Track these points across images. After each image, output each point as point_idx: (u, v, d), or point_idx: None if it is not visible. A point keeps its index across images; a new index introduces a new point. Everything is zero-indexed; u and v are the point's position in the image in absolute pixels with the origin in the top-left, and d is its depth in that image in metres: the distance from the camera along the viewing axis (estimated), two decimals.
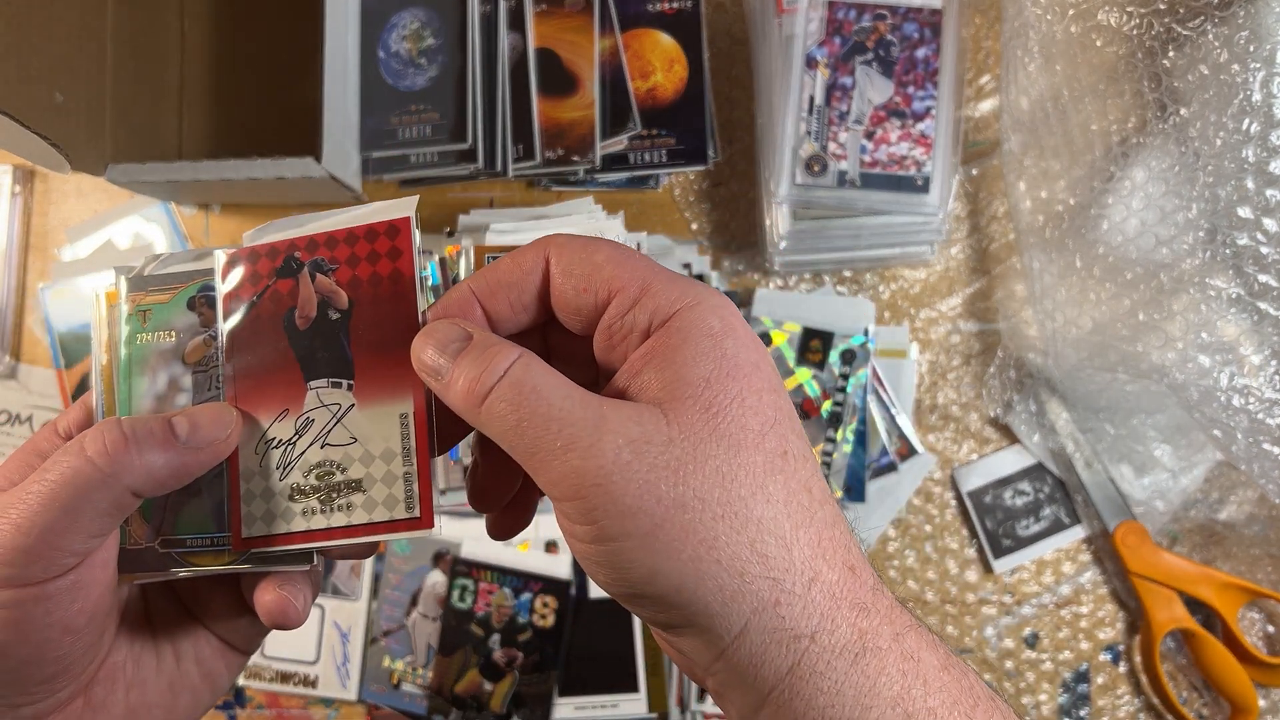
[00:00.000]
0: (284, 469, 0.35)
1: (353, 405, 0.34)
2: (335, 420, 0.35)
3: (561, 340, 0.31)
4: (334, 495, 0.34)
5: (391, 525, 0.33)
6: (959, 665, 0.26)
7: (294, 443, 0.34)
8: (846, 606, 0.25)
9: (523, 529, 0.34)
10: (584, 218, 0.57)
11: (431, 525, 0.32)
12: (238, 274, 0.35)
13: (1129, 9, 0.52)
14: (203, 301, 0.33)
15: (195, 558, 0.32)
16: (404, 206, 0.35)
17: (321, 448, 0.34)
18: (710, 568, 0.24)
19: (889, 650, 0.24)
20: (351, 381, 0.35)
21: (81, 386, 0.62)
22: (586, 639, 0.58)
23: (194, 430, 0.30)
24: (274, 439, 0.34)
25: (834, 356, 0.60)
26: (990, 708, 0.25)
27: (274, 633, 0.60)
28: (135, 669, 0.32)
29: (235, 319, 0.34)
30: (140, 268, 0.33)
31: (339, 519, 0.34)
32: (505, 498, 0.33)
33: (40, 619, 0.27)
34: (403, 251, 0.35)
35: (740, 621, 0.25)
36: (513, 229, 0.57)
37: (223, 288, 0.34)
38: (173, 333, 0.33)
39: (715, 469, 0.25)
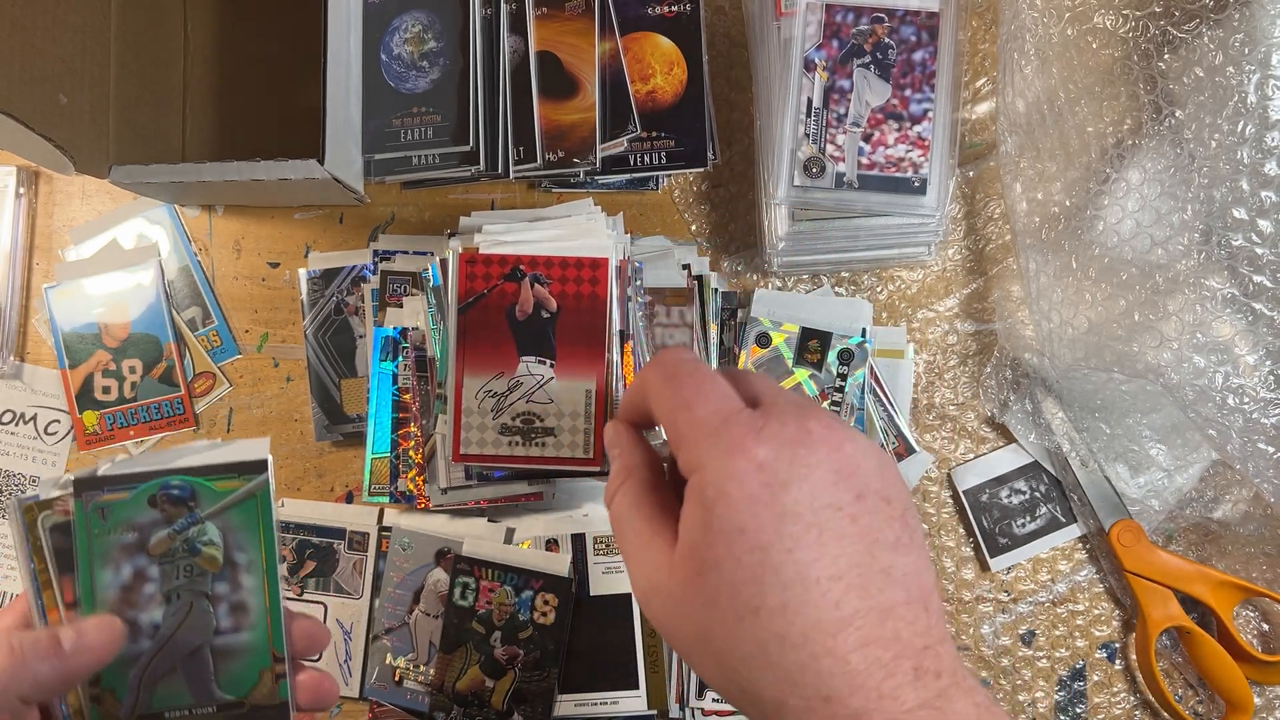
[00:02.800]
0: (496, 412, 0.51)
1: (552, 378, 0.51)
2: (539, 385, 0.51)
3: None
4: (533, 435, 0.51)
5: (572, 460, 0.51)
6: None
7: (506, 395, 0.51)
8: None
9: None
10: (583, 219, 0.58)
11: (599, 465, 0.49)
12: (474, 270, 0.52)
13: (1125, 12, 0.52)
14: (164, 499, 0.36)
15: None
16: (587, 223, 0.55)
17: (527, 403, 0.51)
18: (713, 683, 0.31)
19: None
20: (553, 361, 0.51)
21: (85, 387, 0.62)
22: (587, 636, 0.59)
23: (79, 638, 0.33)
24: (491, 390, 0.52)
25: (832, 357, 0.60)
26: None
27: None
28: None
29: (469, 302, 0.51)
30: (93, 469, 0.36)
31: (535, 451, 0.50)
32: None
33: None
34: (600, 280, 0.52)
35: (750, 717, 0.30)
36: (503, 230, 0.57)
37: (458, 279, 0.52)
38: (134, 528, 0.36)
39: (698, 621, 0.30)
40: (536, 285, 0.52)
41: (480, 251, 0.53)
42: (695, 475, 0.31)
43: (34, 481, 0.37)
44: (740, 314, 0.62)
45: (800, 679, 0.28)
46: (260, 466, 0.36)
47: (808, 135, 0.57)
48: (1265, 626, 0.61)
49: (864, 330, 0.61)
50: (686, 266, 0.61)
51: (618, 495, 0.35)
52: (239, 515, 0.36)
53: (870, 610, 0.29)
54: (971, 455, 0.62)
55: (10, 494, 0.63)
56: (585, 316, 0.51)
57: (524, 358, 0.52)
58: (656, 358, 0.34)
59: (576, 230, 0.56)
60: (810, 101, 0.57)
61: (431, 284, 0.57)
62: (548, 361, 0.52)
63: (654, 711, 0.59)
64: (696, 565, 0.30)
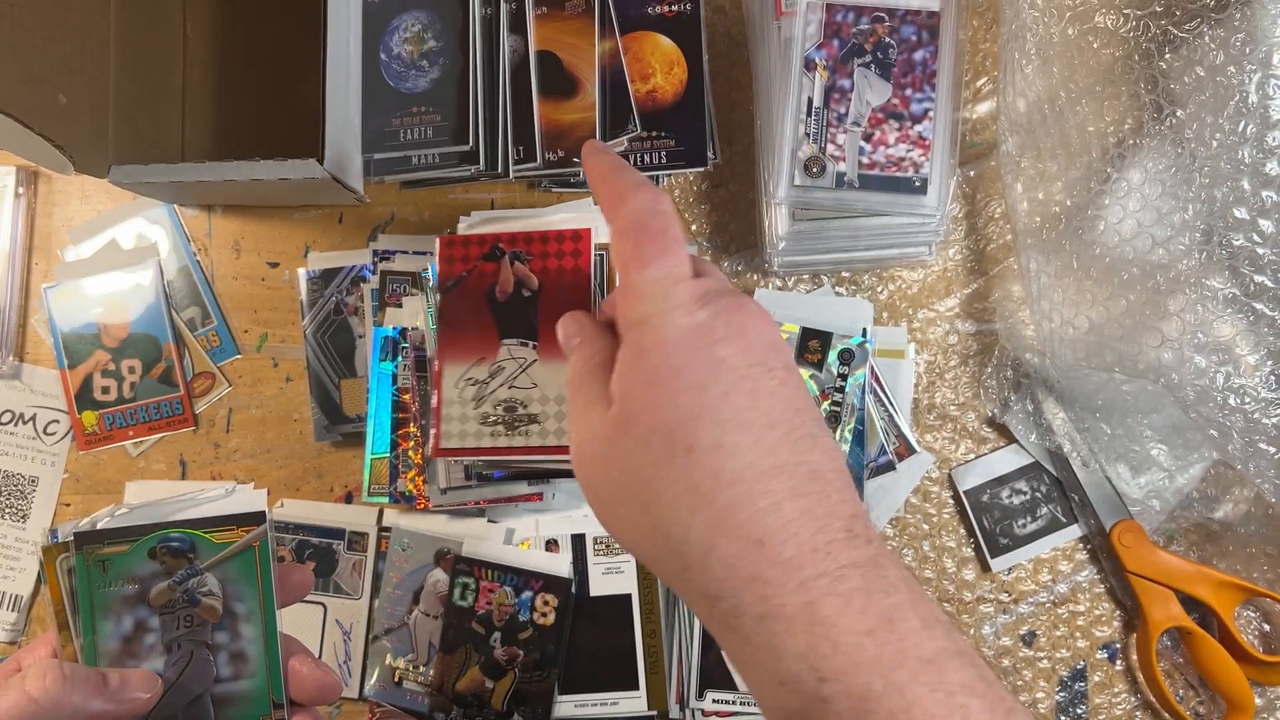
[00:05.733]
0: (478, 401, 0.48)
1: (535, 360, 0.47)
2: (521, 369, 0.47)
3: None
4: (516, 424, 0.47)
5: (557, 449, 0.47)
6: (899, 630, 0.27)
7: (487, 383, 0.47)
8: (744, 577, 0.28)
9: None
10: (582, 219, 0.58)
11: None
12: (452, 253, 0.50)
13: (1126, 11, 0.52)
14: (164, 551, 0.37)
15: None
16: (586, 219, 0.50)
17: (509, 389, 0.47)
18: (633, 537, 0.31)
19: (796, 615, 0.27)
20: (536, 343, 0.48)
21: (84, 387, 0.62)
22: (587, 637, 0.59)
23: (124, 685, 0.35)
24: (472, 378, 0.49)
25: (832, 357, 0.60)
26: (918, 669, 0.26)
27: None
28: None
29: (448, 286, 0.49)
30: (93, 521, 0.37)
31: (518, 440, 0.47)
32: None
33: None
34: (583, 253, 0.48)
35: (665, 576, 0.31)
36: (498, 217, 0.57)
37: (437, 262, 0.50)
38: (135, 580, 0.37)
39: (627, 465, 0.30)
40: (516, 263, 0.50)
41: (460, 233, 0.51)
42: (635, 329, 0.31)
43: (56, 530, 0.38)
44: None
45: (732, 520, 0.28)
46: (259, 518, 0.37)
47: (808, 135, 0.57)
48: (1266, 627, 0.61)
49: (864, 330, 0.60)
50: None
51: (578, 367, 0.35)
52: (238, 566, 0.37)
53: (801, 464, 0.29)
54: (972, 455, 0.62)
55: (9, 494, 0.63)
56: (568, 292, 0.48)
57: (505, 341, 0.49)
58: (635, 200, 0.33)
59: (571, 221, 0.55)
60: (811, 101, 0.57)
61: (431, 284, 0.57)
62: (530, 343, 0.49)
63: (654, 712, 0.59)
64: (631, 409, 0.30)
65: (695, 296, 0.31)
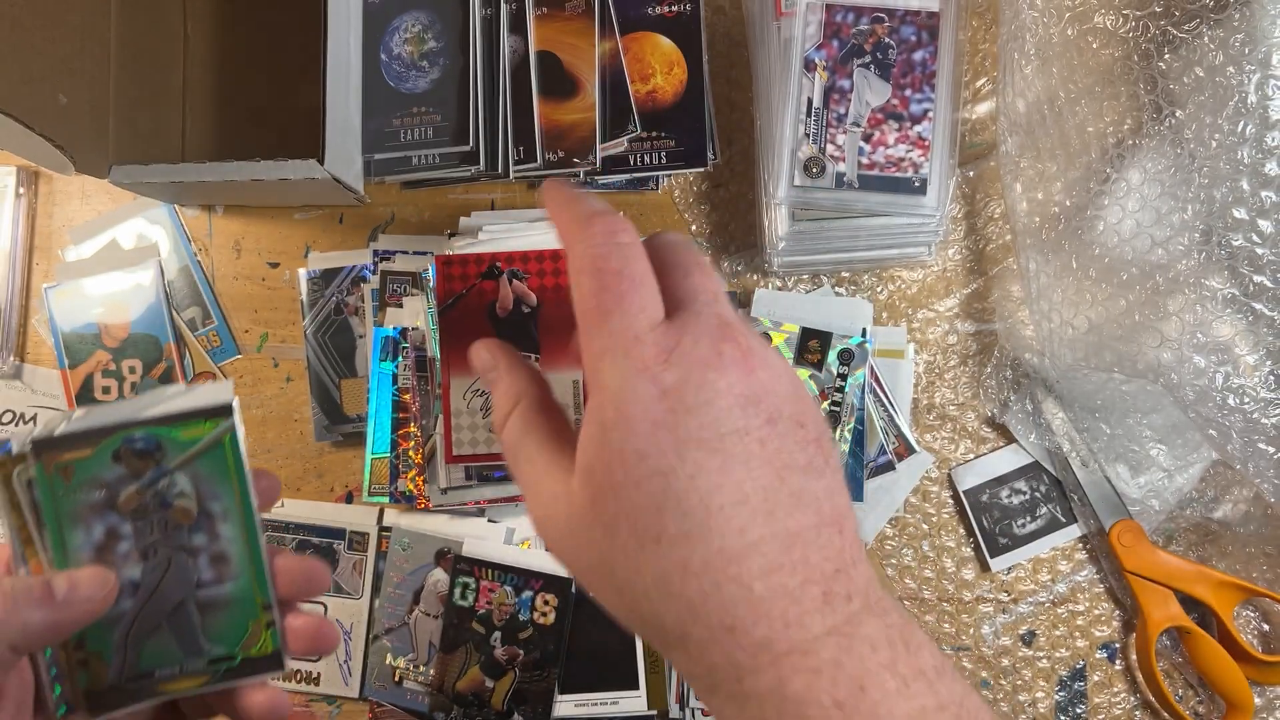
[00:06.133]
0: (485, 411, 0.52)
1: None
2: None
3: None
4: None
5: None
6: (872, 700, 0.26)
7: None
8: (720, 662, 0.27)
9: None
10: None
11: None
12: (451, 271, 0.53)
13: (1125, 12, 0.52)
14: (129, 452, 0.35)
15: (167, 685, 0.35)
16: None
17: None
18: (614, 612, 0.30)
19: (767, 695, 0.27)
20: (538, 356, 0.52)
21: (85, 387, 0.62)
22: (587, 637, 0.59)
23: (72, 589, 0.32)
24: (479, 390, 0.52)
25: (832, 357, 0.60)
26: None
27: None
28: None
29: (448, 305, 0.52)
30: (50, 428, 0.35)
31: None
32: None
33: None
34: None
35: (662, 652, 0.30)
36: (504, 231, 0.57)
37: (436, 281, 0.52)
38: (101, 486, 0.35)
39: (598, 550, 0.29)
40: (514, 281, 0.53)
41: (456, 253, 0.54)
42: (597, 394, 0.29)
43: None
44: (740, 314, 0.62)
45: (703, 609, 0.27)
46: (225, 410, 0.35)
47: (808, 135, 0.57)
48: (1265, 627, 0.61)
49: (864, 330, 0.61)
50: None
51: (508, 422, 0.32)
52: (208, 463, 0.35)
53: (776, 536, 0.27)
54: (972, 455, 0.62)
55: None
56: (567, 308, 0.49)
57: None
58: (588, 234, 0.30)
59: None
60: (810, 101, 0.57)
61: (431, 284, 0.57)
62: (532, 356, 0.52)
63: (654, 712, 0.59)
64: (595, 490, 0.28)
65: (660, 355, 0.28)
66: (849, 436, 0.60)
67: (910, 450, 0.61)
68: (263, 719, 0.35)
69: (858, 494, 0.60)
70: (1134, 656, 0.60)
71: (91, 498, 0.35)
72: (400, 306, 0.60)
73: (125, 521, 0.35)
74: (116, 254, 0.64)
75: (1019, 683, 0.61)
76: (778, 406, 0.28)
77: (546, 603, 0.58)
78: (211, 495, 0.35)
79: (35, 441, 0.34)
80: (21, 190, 0.64)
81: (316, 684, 0.60)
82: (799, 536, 0.28)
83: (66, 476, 0.34)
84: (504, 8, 0.60)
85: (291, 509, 0.62)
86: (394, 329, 0.60)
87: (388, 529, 0.61)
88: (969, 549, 0.62)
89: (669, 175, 0.63)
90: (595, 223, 0.30)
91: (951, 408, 0.62)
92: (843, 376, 0.60)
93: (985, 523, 0.61)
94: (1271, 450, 0.49)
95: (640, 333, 0.28)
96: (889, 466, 0.61)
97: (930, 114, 0.57)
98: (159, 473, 0.35)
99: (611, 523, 0.28)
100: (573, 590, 0.58)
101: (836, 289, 0.63)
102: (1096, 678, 0.61)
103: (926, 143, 0.57)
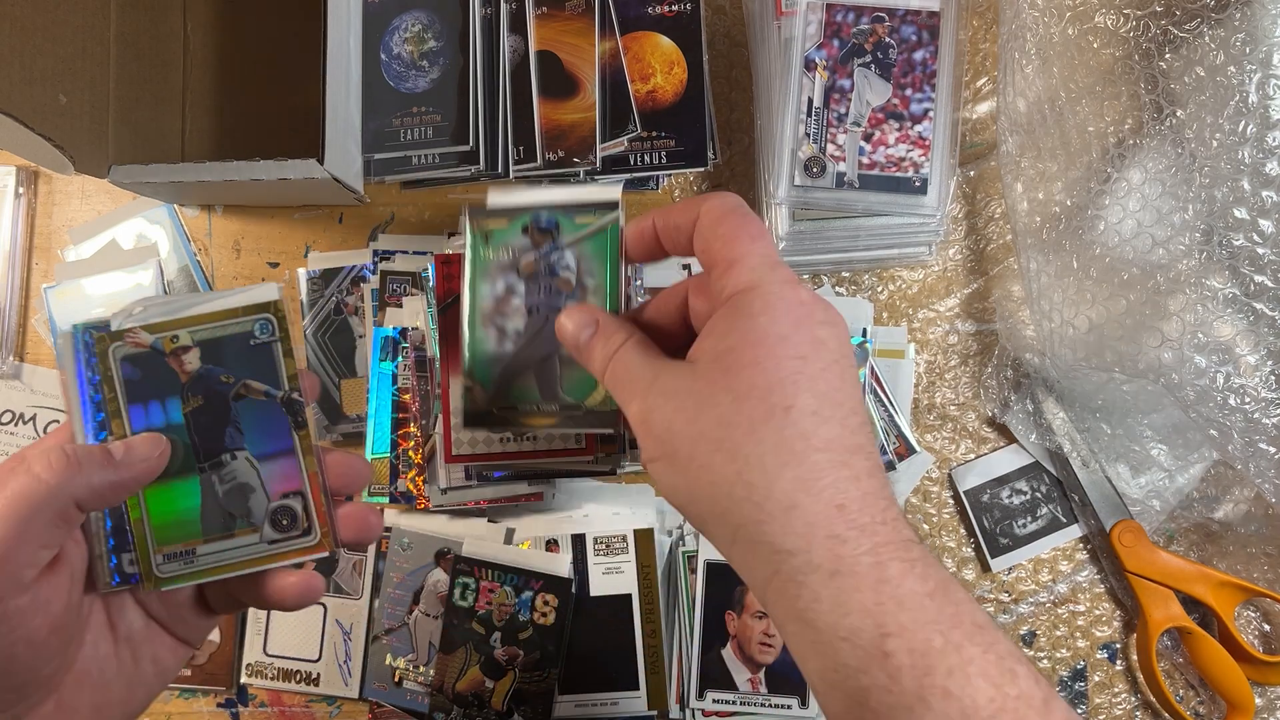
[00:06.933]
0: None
1: None
2: None
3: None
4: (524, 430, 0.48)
5: (565, 451, 0.48)
6: (954, 597, 0.30)
7: None
8: (823, 534, 0.30)
9: None
10: (598, 188, 0.58)
11: (591, 454, 0.47)
12: (450, 270, 0.51)
13: (1126, 11, 0.52)
14: (534, 228, 0.42)
15: (524, 418, 0.41)
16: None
17: None
18: (707, 489, 0.32)
19: (866, 574, 0.29)
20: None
21: None
22: (587, 637, 0.59)
23: (128, 452, 0.35)
24: None
25: None
26: (972, 631, 0.29)
27: (275, 632, 0.60)
28: (99, 672, 0.36)
29: (446, 305, 0.50)
30: (485, 202, 0.43)
31: (526, 445, 0.48)
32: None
33: (5, 635, 0.31)
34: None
35: (730, 531, 0.32)
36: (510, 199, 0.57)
37: (434, 281, 0.51)
38: (509, 250, 0.42)
39: (719, 415, 0.31)
40: None
41: (454, 252, 0.53)
42: (742, 293, 0.33)
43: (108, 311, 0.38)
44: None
45: (819, 482, 0.30)
46: (613, 205, 0.42)
47: (808, 135, 0.57)
48: (1266, 627, 0.61)
49: (864, 330, 0.60)
50: (687, 266, 0.61)
51: (621, 351, 0.36)
52: (592, 246, 0.41)
53: (870, 449, 0.32)
54: (972, 455, 0.62)
55: None
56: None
57: None
58: (715, 198, 0.35)
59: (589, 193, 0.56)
60: (811, 101, 0.57)
61: (431, 284, 0.57)
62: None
63: (654, 712, 0.59)
64: (730, 364, 0.32)
65: (794, 278, 0.33)
66: None
67: (911, 450, 0.61)
68: (297, 601, 0.37)
69: None
70: (1135, 657, 0.60)
71: (501, 259, 0.42)
72: (400, 306, 0.60)
73: (520, 282, 0.42)
74: (116, 254, 0.64)
75: None
76: (853, 352, 0.34)
77: (546, 603, 0.58)
78: (589, 271, 0.41)
79: (471, 209, 0.43)
80: (21, 190, 0.64)
81: (316, 684, 0.60)
82: (879, 464, 0.32)
83: (486, 240, 0.42)
84: (504, 7, 0.60)
85: None
86: (394, 329, 0.60)
87: (388, 529, 0.61)
88: (969, 549, 0.62)
89: (669, 175, 0.63)
90: (712, 195, 0.36)
91: (952, 408, 0.62)
92: None
93: (986, 523, 0.61)
94: (1272, 450, 0.49)
95: (778, 258, 0.34)
96: (889, 466, 0.61)
97: (930, 114, 0.57)
98: (553, 247, 0.42)
99: (745, 391, 0.31)
100: (572, 590, 0.58)
101: (837, 289, 0.63)
102: (1097, 678, 0.61)
103: (927, 142, 0.57)
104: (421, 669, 0.59)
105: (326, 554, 0.38)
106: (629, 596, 0.59)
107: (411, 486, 0.59)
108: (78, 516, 0.33)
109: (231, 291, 0.39)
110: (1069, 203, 0.54)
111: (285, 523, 0.38)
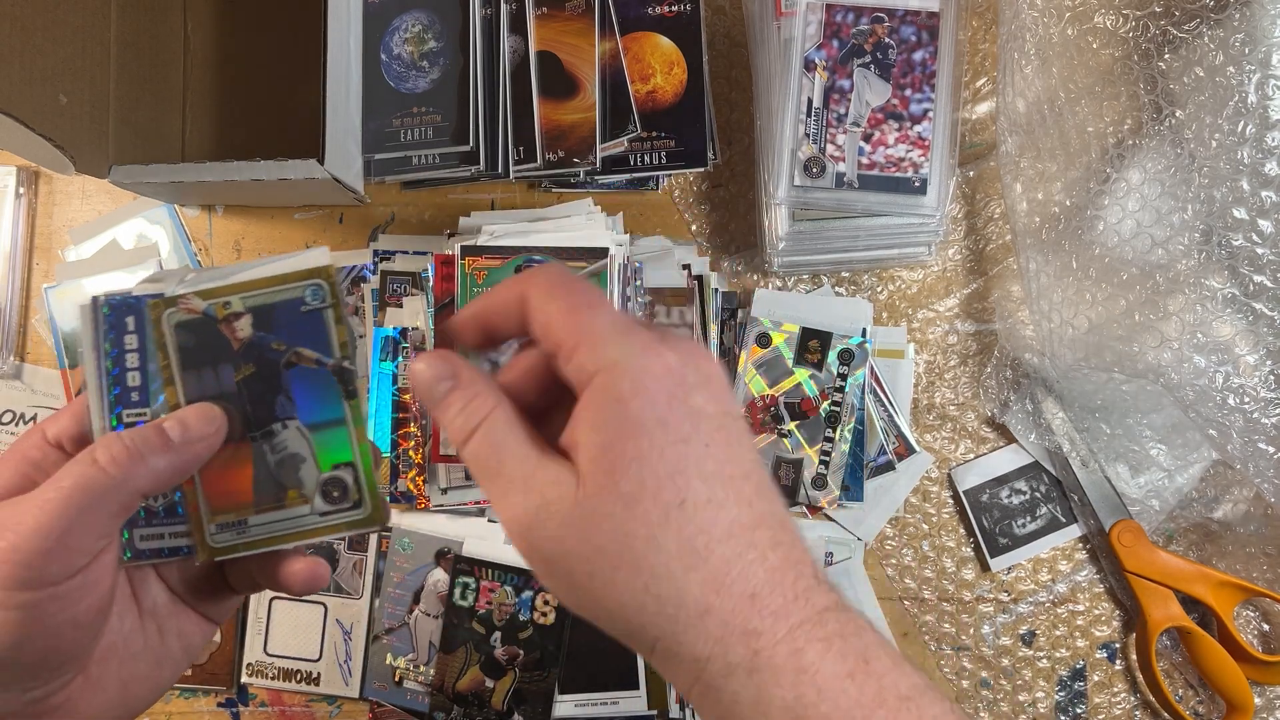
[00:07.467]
0: None
1: None
2: None
3: None
4: None
5: None
6: (876, 669, 0.28)
7: None
8: (738, 632, 0.28)
9: None
10: (582, 219, 0.58)
11: None
12: (448, 271, 0.52)
13: (1125, 11, 0.52)
14: (526, 268, 0.45)
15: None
16: (584, 222, 0.56)
17: None
18: (615, 608, 0.29)
19: (784, 665, 0.28)
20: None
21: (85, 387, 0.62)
22: (587, 636, 0.59)
23: (184, 430, 0.34)
24: None
25: (832, 357, 0.60)
26: (897, 707, 0.27)
27: (276, 631, 0.60)
28: (126, 647, 0.35)
29: (444, 304, 0.52)
30: (474, 241, 0.45)
31: None
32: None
33: (55, 616, 0.31)
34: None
35: (648, 645, 0.29)
36: (504, 232, 0.57)
37: (433, 281, 0.52)
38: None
39: (614, 527, 0.28)
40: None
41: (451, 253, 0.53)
42: (604, 374, 0.29)
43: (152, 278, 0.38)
44: (740, 314, 0.62)
45: (727, 577, 0.28)
46: (603, 253, 0.44)
47: (808, 135, 0.57)
48: (1266, 627, 0.61)
49: (864, 330, 0.61)
50: (686, 266, 0.61)
51: (488, 423, 0.31)
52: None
53: (773, 514, 0.30)
54: (972, 455, 0.62)
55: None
56: None
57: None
58: (539, 269, 0.32)
59: (575, 229, 0.56)
60: (810, 101, 0.57)
61: (431, 284, 0.57)
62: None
63: (654, 712, 0.59)
64: (613, 462, 0.28)
65: (656, 337, 0.30)
66: (849, 436, 0.60)
67: (910, 450, 0.61)
68: (304, 585, 0.36)
69: (858, 494, 0.60)
70: (1134, 656, 0.60)
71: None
72: (400, 306, 0.60)
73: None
74: (117, 254, 0.64)
75: (1019, 683, 0.61)
76: (734, 402, 0.31)
77: (546, 603, 0.58)
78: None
79: (464, 248, 0.46)
80: (21, 190, 0.64)
81: (317, 684, 0.60)
82: (785, 521, 0.30)
83: (479, 279, 0.43)
84: (504, 8, 0.60)
85: None
86: (394, 329, 0.60)
87: (388, 529, 0.61)
88: (969, 549, 0.62)
89: (669, 175, 0.63)
90: (543, 266, 0.34)
91: (951, 408, 0.62)
92: (843, 376, 0.60)
93: (985, 523, 0.61)
94: (1272, 450, 0.49)
95: (630, 322, 0.30)
96: (889, 466, 0.61)
97: (930, 114, 0.57)
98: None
99: (633, 494, 0.28)
100: None
101: (836, 289, 0.63)
102: (1097, 678, 0.61)
103: (926, 143, 0.57)
104: (422, 668, 0.59)
105: (378, 527, 0.37)
106: None
107: (411, 486, 0.59)
108: (138, 505, 0.33)
109: (282, 257, 0.38)
110: (1068, 203, 0.54)
111: (336, 494, 0.37)
